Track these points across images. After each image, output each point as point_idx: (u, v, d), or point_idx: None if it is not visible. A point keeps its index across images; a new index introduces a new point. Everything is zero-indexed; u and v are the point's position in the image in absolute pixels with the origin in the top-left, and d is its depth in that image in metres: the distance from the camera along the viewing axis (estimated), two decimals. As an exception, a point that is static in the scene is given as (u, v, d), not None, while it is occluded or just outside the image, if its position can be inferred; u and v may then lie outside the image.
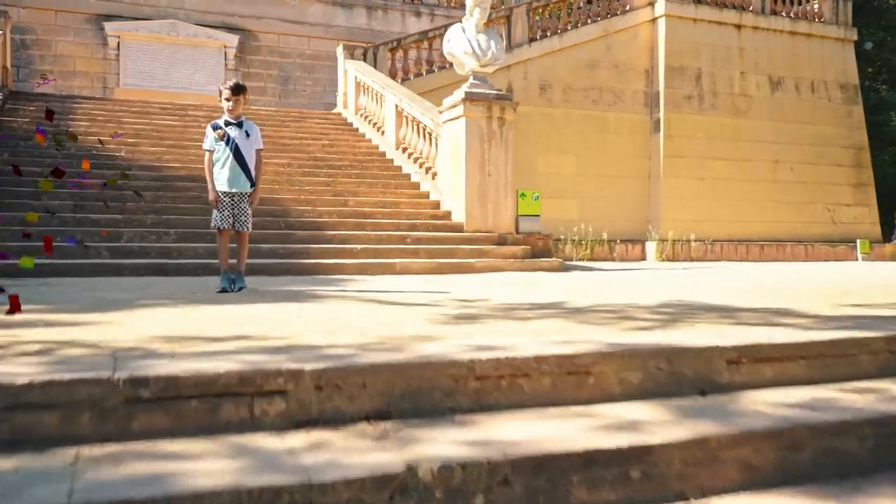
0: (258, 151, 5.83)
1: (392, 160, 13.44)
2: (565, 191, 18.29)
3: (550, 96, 18.43)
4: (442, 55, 17.25)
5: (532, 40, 18.20)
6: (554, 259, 10.43)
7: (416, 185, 12.38)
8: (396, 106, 13.43)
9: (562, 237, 17.21)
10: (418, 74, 17.15)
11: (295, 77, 21.81)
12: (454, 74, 15.41)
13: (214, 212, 5.79)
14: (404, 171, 12.97)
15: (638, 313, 4.25)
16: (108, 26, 20.04)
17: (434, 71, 17.24)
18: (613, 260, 18.10)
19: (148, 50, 20.51)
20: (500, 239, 10.68)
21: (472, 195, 10.85)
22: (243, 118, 5.78)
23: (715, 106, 19.63)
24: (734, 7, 19.99)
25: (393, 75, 16.71)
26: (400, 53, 17.30)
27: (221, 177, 5.70)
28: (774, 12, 20.54)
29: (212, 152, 5.71)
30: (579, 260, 17.34)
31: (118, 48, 20.20)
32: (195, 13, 20.69)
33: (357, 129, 15.35)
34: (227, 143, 5.64)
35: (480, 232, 10.74)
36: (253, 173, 5.77)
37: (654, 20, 19.26)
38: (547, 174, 18.08)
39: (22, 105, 13.72)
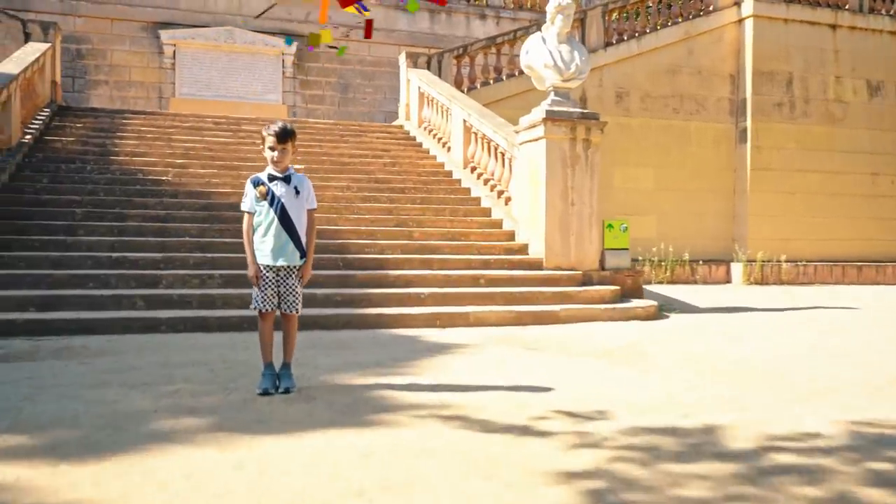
0: (310, 212, 4.54)
1: (459, 181, 12.26)
2: (643, 207, 16.92)
3: (627, 105, 17.04)
4: (511, 62, 16.05)
5: (608, 45, 16.84)
6: (648, 304, 9.07)
7: (487, 212, 11.17)
8: (464, 121, 12.24)
9: (640, 258, 15.86)
10: (485, 83, 15.96)
11: (355, 84, 20.83)
12: (525, 83, 14.18)
13: (255, 291, 4.56)
14: (473, 193, 11.77)
15: (847, 479, 2.98)
16: (164, 34, 19.37)
17: (502, 79, 16.04)
18: (695, 283, 16.67)
19: (204, 58, 19.78)
20: (584, 278, 9.38)
21: (553, 227, 9.57)
22: (292, 170, 4.49)
23: (807, 113, 17.95)
24: (829, 6, 18.22)
25: (458, 84, 15.56)
26: (466, 60, 16.15)
27: (264, 247, 4.44)
28: (873, 10, 18.68)
29: (252, 214, 4.46)
30: (658, 282, 15.96)
31: (174, 57, 19.52)
32: (253, 20, 19.82)
33: (420, 145, 14.21)
34: (270, 204, 4.39)
35: (562, 269, 9.45)
36: (303, 241, 4.48)
37: (740, 21, 17.68)
38: (624, 189, 16.75)
39: (69, 122, 12.95)
